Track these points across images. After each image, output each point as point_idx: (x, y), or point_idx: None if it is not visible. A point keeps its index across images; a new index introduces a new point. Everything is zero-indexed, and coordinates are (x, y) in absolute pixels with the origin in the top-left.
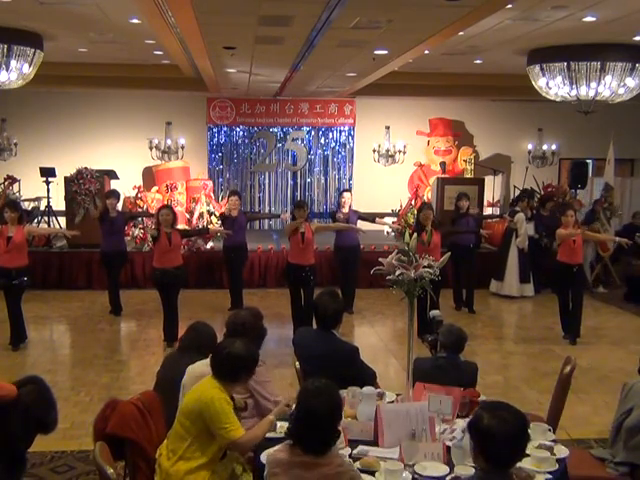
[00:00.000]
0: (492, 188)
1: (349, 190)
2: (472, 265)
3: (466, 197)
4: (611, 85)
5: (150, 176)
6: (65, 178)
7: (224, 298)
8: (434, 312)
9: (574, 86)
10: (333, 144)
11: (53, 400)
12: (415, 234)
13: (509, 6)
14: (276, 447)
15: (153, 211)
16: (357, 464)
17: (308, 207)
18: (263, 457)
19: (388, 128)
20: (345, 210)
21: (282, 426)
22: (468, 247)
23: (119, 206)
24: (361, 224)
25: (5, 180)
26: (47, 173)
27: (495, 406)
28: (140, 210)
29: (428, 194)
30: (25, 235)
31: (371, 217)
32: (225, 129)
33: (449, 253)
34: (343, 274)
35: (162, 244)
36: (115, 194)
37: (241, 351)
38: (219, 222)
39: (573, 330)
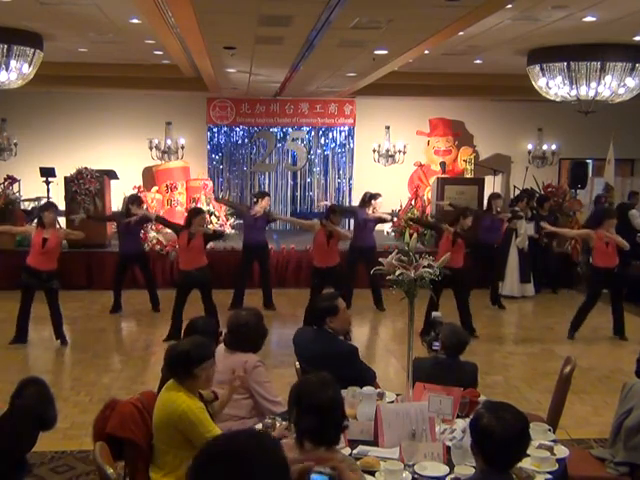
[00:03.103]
0: (492, 188)
1: (381, 195)
2: (495, 263)
3: (500, 197)
4: (611, 85)
5: (150, 176)
6: (65, 178)
7: (224, 298)
8: (435, 313)
9: (574, 86)
10: (333, 144)
11: (52, 397)
12: (415, 234)
13: (509, 6)
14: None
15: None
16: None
17: (340, 212)
18: None
19: (388, 128)
20: (369, 211)
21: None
22: (492, 246)
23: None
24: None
25: (5, 180)
26: (47, 173)
27: (497, 406)
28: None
29: (428, 194)
30: (61, 239)
31: (383, 219)
32: (225, 129)
33: (448, 254)
34: (351, 274)
35: (181, 243)
36: (137, 199)
37: (186, 346)
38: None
39: (619, 329)
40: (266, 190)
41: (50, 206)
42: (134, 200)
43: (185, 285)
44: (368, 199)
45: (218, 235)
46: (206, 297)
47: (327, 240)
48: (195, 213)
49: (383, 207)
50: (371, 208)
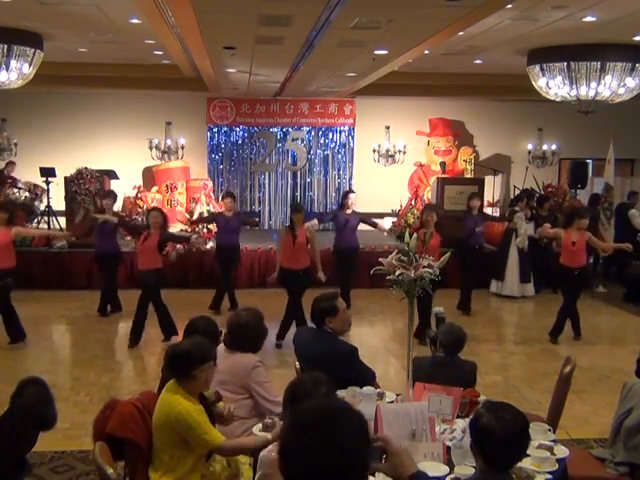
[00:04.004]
0: (492, 188)
1: (354, 191)
2: (476, 266)
3: (477, 197)
4: (611, 85)
5: (150, 176)
6: (65, 178)
7: (224, 298)
8: (437, 309)
9: (574, 86)
10: (333, 144)
11: (52, 397)
12: (415, 234)
13: (509, 6)
14: (270, 447)
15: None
16: None
17: (305, 210)
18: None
19: (388, 128)
20: (349, 211)
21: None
22: (474, 248)
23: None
24: (362, 226)
25: (5, 180)
26: (47, 173)
27: (497, 406)
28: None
29: (428, 194)
30: (12, 237)
31: (372, 222)
32: (225, 129)
33: (448, 254)
34: (341, 276)
35: (139, 242)
36: (112, 195)
37: (186, 346)
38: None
39: (558, 329)
40: (266, 190)
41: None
42: (106, 195)
43: (140, 286)
44: (342, 199)
45: (177, 238)
46: (142, 299)
47: (293, 242)
48: (147, 212)
49: (383, 207)
50: (346, 207)
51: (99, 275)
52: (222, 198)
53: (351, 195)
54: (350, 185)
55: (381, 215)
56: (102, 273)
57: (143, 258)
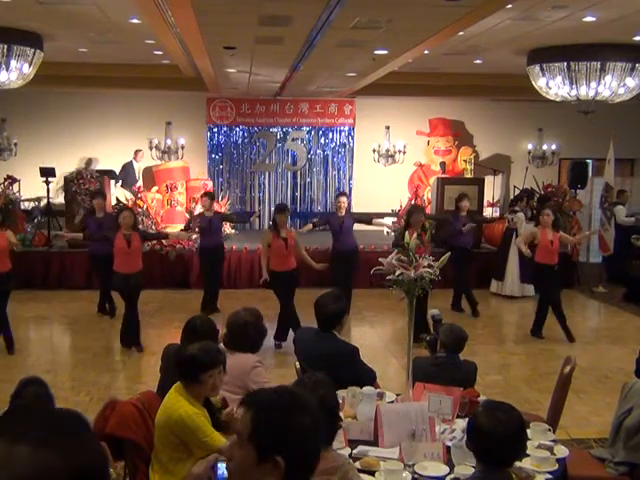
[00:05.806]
0: (492, 188)
1: (345, 194)
2: (466, 267)
3: (467, 197)
4: (611, 85)
5: (150, 176)
6: (65, 178)
7: (224, 298)
8: (433, 311)
9: (574, 86)
10: (333, 144)
11: (52, 397)
12: (415, 234)
13: (509, 6)
14: None
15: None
16: (357, 464)
17: (290, 211)
18: None
19: (388, 128)
20: (341, 214)
21: None
22: (465, 249)
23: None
24: (358, 226)
25: (5, 180)
26: (47, 173)
27: (494, 406)
28: (152, 231)
29: (428, 194)
30: (8, 240)
31: (367, 218)
32: (225, 129)
33: (449, 253)
34: (341, 277)
35: (120, 246)
36: (100, 194)
37: (194, 350)
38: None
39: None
40: (266, 190)
41: None
42: (95, 195)
43: (122, 289)
44: (334, 201)
45: (162, 235)
46: (134, 302)
47: (285, 246)
48: (119, 211)
49: (383, 207)
50: (339, 209)
51: (97, 275)
52: (200, 197)
53: (341, 198)
54: (350, 185)
55: (381, 215)
56: (98, 273)
57: (132, 261)
